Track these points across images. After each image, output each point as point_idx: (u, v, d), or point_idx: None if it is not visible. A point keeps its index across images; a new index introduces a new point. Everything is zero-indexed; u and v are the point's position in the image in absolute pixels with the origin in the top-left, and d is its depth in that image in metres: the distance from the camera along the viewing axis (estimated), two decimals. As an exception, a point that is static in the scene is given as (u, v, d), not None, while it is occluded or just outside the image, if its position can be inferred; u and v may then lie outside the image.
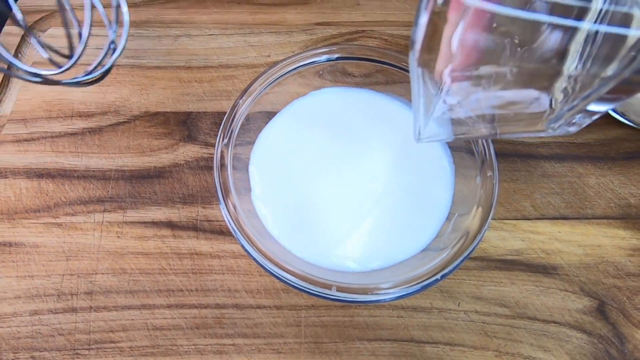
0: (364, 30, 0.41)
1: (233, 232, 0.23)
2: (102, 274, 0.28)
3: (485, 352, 0.27)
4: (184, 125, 0.34)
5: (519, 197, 0.32)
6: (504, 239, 0.30)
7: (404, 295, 0.22)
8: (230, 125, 0.26)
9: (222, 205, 0.24)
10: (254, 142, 0.30)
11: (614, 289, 0.29)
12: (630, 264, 0.29)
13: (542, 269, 0.29)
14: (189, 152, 0.33)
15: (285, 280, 0.22)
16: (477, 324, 0.27)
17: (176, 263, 0.29)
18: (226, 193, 0.24)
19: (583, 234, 0.30)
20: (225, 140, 0.26)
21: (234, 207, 0.24)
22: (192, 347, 0.26)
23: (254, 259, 0.22)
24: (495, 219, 0.31)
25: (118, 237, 0.30)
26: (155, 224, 0.30)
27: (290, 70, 0.31)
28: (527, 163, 0.33)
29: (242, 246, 0.23)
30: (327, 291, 0.21)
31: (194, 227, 0.30)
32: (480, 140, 0.27)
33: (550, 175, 0.33)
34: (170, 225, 0.30)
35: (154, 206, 0.31)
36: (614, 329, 0.27)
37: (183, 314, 0.27)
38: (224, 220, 0.30)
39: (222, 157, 0.25)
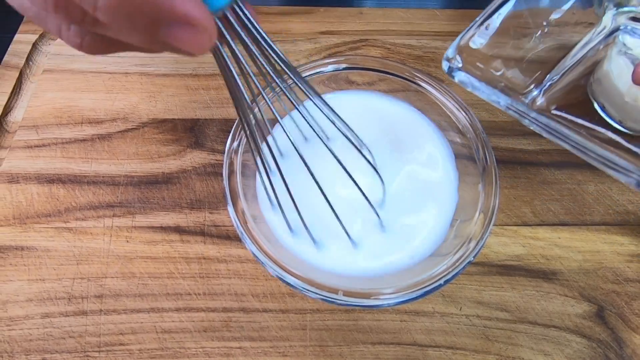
0: (367, 39, 0.41)
1: (242, 238, 0.24)
2: (112, 277, 0.29)
3: (487, 356, 0.27)
4: (192, 132, 0.35)
5: (519, 204, 0.32)
6: (504, 244, 0.31)
7: (407, 300, 0.22)
8: (240, 132, 0.27)
9: (231, 211, 0.24)
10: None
11: (612, 294, 0.29)
12: (629, 269, 0.30)
13: (542, 275, 0.30)
14: (196, 158, 0.34)
15: (293, 284, 0.22)
16: (479, 328, 0.28)
17: (184, 267, 0.29)
18: (235, 199, 0.24)
19: (582, 240, 0.31)
20: (235, 147, 0.27)
21: (243, 212, 0.24)
22: (200, 349, 0.27)
23: (263, 263, 0.23)
24: (496, 225, 0.31)
25: (127, 241, 0.30)
26: (163, 229, 0.31)
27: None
28: (527, 170, 0.34)
29: (251, 252, 0.24)
30: (334, 295, 0.22)
31: (201, 232, 0.31)
32: (481, 148, 0.28)
33: (549, 182, 0.33)
34: (178, 230, 0.31)
35: (162, 211, 0.32)
36: (613, 334, 0.28)
37: (191, 317, 0.28)
38: (231, 225, 0.31)
39: (231, 163, 0.26)
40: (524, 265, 0.30)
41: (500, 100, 0.26)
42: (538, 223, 0.32)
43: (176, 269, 0.29)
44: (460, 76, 0.28)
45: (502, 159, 0.34)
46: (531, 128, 0.28)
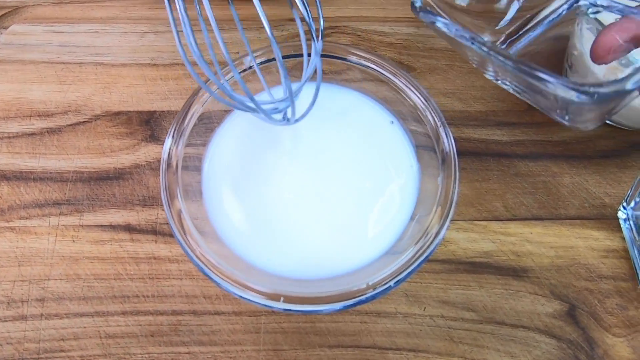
0: (337, 26, 0.39)
1: (177, 239, 0.22)
2: (55, 279, 0.27)
3: (451, 359, 0.26)
4: (147, 124, 0.33)
5: (490, 198, 0.31)
6: (473, 240, 0.29)
7: (353, 304, 0.21)
8: (182, 124, 0.25)
9: (167, 210, 0.22)
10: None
11: (585, 292, 0.28)
12: (603, 265, 0.28)
13: (512, 272, 0.28)
14: (151, 152, 0.32)
15: (230, 290, 0.21)
16: (443, 329, 0.26)
17: (133, 268, 0.28)
18: (171, 197, 0.23)
19: (555, 235, 0.29)
20: (175, 140, 0.25)
21: (179, 211, 0.23)
22: (146, 355, 0.25)
23: (197, 265, 0.21)
24: (465, 220, 0.30)
25: (73, 241, 0.29)
26: (112, 227, 0.29)
27: (252, 66, 0.30)
28: (500, 162, 0.32)
29: (185, 252, 0.22)
30: (274, 303, 0.20)
31: (152, 231, 0.29)
32: (442, 138, 0.26)
33: (523, 175, 0.32)
34: (129, 228, 0.29)
35: (113, 209, 0.30)
36: (584, 334, 0.26)
37: (138, 321, 0.26)
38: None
39: (169, 157, 0.24)
40: (493, 263, 0.28)
41: (467, 35, 0.25)
42: (510, 217, 0.30)
43: (124, 270, 0.28)
44: (428, 15, 0.27)
45: (475, 150, 0.33)
46: (498, 82, 0.28)
